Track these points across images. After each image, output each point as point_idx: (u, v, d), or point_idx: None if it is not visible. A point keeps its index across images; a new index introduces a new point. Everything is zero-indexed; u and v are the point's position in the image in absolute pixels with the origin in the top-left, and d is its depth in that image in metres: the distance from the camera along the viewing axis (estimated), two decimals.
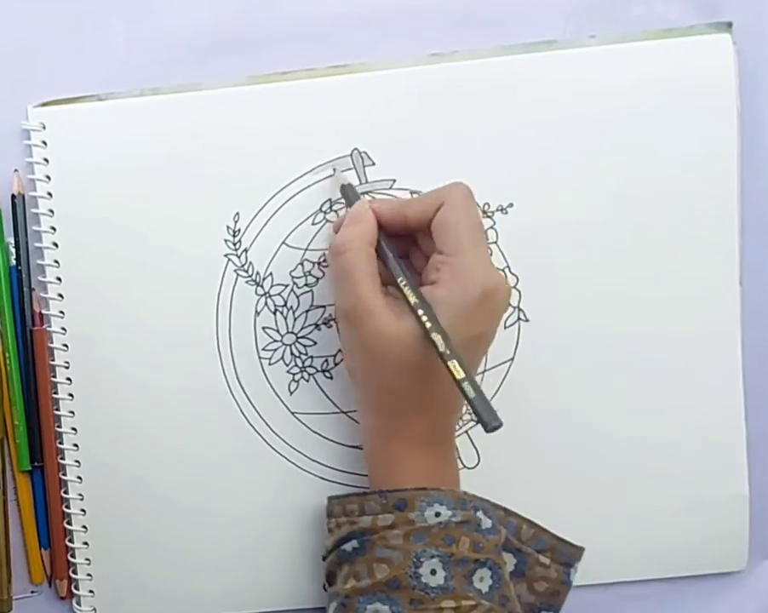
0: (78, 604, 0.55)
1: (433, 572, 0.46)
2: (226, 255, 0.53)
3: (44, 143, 0.53)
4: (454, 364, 0.45)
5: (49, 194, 0.53)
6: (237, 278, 0.53)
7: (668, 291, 0.53)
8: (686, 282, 0.53)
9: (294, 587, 0.55)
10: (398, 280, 0.48)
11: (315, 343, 0.54)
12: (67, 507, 0.55)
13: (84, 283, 0.53)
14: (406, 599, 0.46)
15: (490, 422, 0.44)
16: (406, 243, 0.51)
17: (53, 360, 0.54)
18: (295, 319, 0.54)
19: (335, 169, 0.52)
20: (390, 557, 0.47)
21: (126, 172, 0.53)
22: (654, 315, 0.53)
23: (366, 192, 0.53)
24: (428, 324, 0.46)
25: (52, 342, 0.54)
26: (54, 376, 0.54)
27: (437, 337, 0.46)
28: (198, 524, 0.54)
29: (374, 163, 0.53)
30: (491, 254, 0.53)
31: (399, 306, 0.48)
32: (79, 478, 0.54)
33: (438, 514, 0.47)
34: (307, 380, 0.54)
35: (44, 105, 0.53)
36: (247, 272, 0.53)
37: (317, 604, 0.55)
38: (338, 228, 0.50)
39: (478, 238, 0.48)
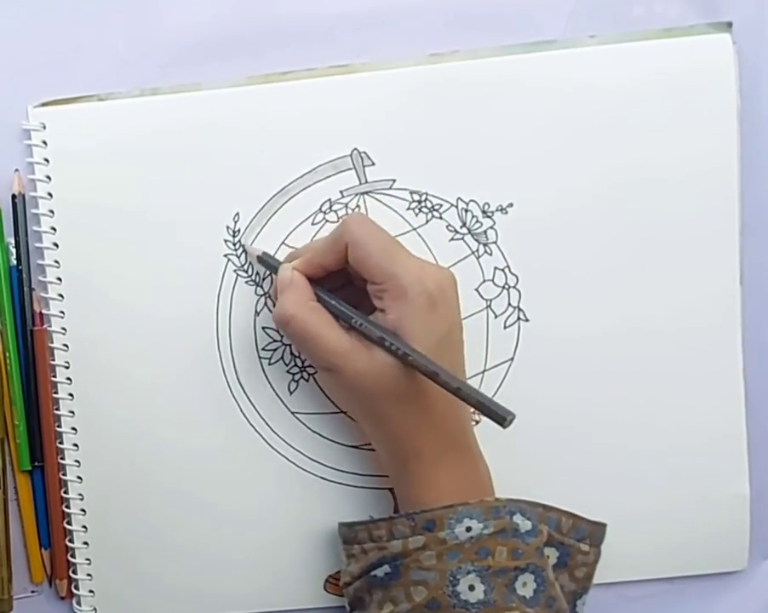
0: (78, 604, 0.55)
1: (472, 588, 0.46)
2: (226, 255, 0.53)
3: (44, 143, 0.53)
4: (443, 378, 0.45)
5: (50, 194, 0.53)
6: (237, 278, 0.53)
7: (668, 291, 0.53)
8: (686, 281, 0.53)
9: (294, 587, 0.55)
10: (352, 322, 0.48)
11: None
12: (67, 506, 0.55)
13: (84, 283, 0.53)
14: None
15: (503, 418, 0.44)
16: (342, 273, 0.50)
17: (53, 360, 0.54)
18: None
19: (243, 246, 0.53)
20: (426, 578, 0.46)
21: (126, 172, 0.53)
22: (654, 315, 0.53)
23: (366, 192, 0.53)
24: (400, 352, 0.46)
25: (52, 342, 0.54)
26: (54, 376, 0.54)
27: (416, 360, 0.46)
28: (198, 524, 0.54)
29: (374, 163, 0.53)
30: (491, 253, 0.53)
31: (365, 340, 0.48)
32: (79, 478, 0.54)
33: (469, 529, 0.46)
34: (307, 380, 0.54)
35: (44, 105, 0.53)
36: (247, 272, 0.53)
37: (317, 604, 0.55)
38: (275, 296, 0.51)
39: (396, 254, 0.48)
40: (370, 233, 0.49)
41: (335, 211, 0.53)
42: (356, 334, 0.48)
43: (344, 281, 0.51)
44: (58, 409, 0.54)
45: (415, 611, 0.46)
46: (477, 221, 0.53)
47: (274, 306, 0.51)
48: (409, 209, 0.53)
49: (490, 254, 0.53)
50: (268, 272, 0.53)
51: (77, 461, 0.54)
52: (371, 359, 0.47)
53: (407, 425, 0.48)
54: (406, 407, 0.48)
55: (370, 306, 0.49)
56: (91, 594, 0.55)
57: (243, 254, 0.53)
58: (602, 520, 0.52)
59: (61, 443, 0.54)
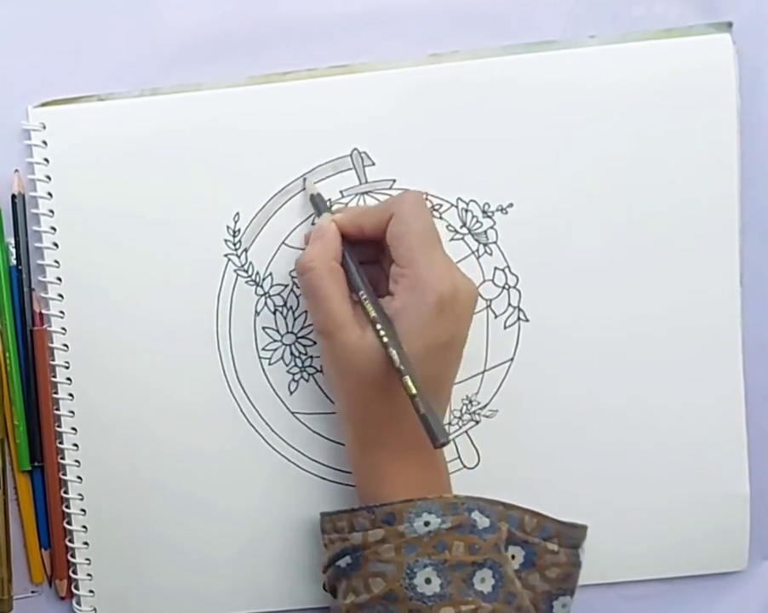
0: (78, 604, 0.55)
1: (428, 581, 0.46)
2: (226, 255, 0.53)
3: (44, 143, 0.53)
4: (406, 380, 0.45)
5: (50, 194, 0.53)
6: (237, 278, 0.53)
7: (668, 291, 0.53)
8: (686, 282, 0.53)
9: (294, 587, 0.55)
10: (359, 293, 0.48)
11: (315, 343, 0.54)
12: (67, 506, 0.55)
13: (84, 283, 0.53)
14: (404, 611, 0.46)
15: (437, 439, 0.45)
16: (377, 248, 0.51)
17: (53, 360, 0.54)
18: (295, 319, 0.54)
19: (305, 179, 0.52)
20: (384, 571, 0.47)
21: (126, 172, 0.53)
22: (654, 315, 0.53)
23: (366, 192, 0.53)
24: (385, 339, 0.46)
25: (52, 342, 0.54)
26: (54, 376, 0.54)
27: (392, 352, 0.46)
28: (198, 524, 0.54)
29: (374, 163, 0.53)
30: (491, 253, 0.53)
31: (364, 317, 0.48)
32: (79, 478, 0.54)
33: (427, 523, 0.47)
34: (307, 380, 0.54)
35: (44, 105, 0.53)
36: (247, 272, 0.53)
37: (317, 604, 0.55)
38: (306, 241, 0.51)
39: (430, 246, 0.48)
40: (418, 214, 0.49)
41: (335, 212, 0.53)
42: (359, 309, 0.48)
43: (373, 258, 0.51)
44: (58, 409, 0.54)
45: (374, 602, 0.47)
46: (477, 221, 0.53)
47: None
48: None
49: (490, 254, 0.53)
50: (269, 272, 0.53)
51: (77, 461, 0.54)
52: (362, 337, 0.47)
53: (376, 412, 0.48)
54: (380, 394, 0.48)
55: (384, 291, 0.49)
56: (91, 594, 0.55)
57: (244, 254, 0.53)
58: (601, 520, 0.52)
59: (61, 443, 0.54)
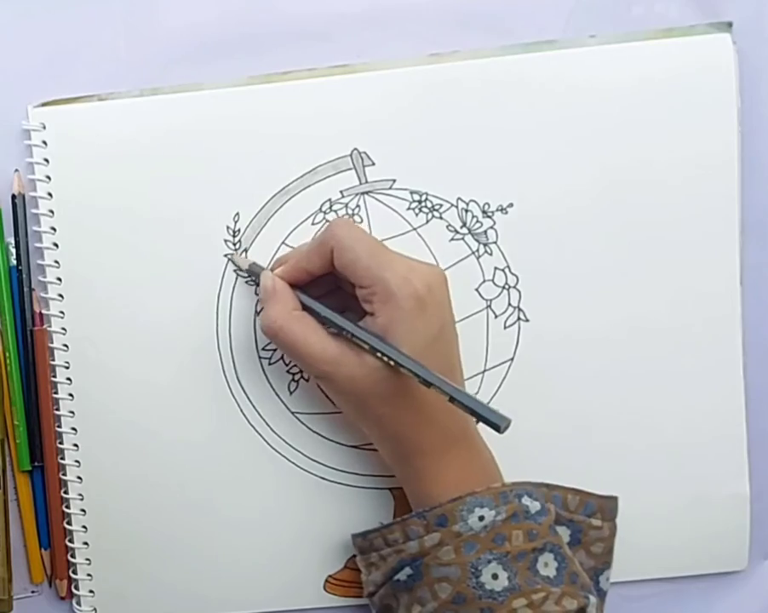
0: (78, 604, 0.55)
1: (495, 576, 0.46)
2: (226, 255, 0.53)
3: (44, 143, 0.53)
4: (439, 390, 0.45)
5: (50, 194, 0.53)
6: (237, 278, 0.53)
7: (668, 291, 0.53)
8: (686, 282, 0.53)
9: (294, 587, 0.55)
10: (344, 334, 0.48)
11: None
12: (67, 506, 0.55)
13: (84, 284, 0.53)
14: (475, 611, 0.46)
15: (499, 425, 0.44)
16: (329, 278, 0.50)
17: (53, 360, 0.54)
18: None
19: (230, 257, 0.53)
20: (448, 574, 0.46)
21: (126, 172, 0.53)
22: (654, 315, 0.53)
23: (366, 192, 0.53)
24: (392, 363, 0.46)
25: (52, 342, 0.54)
26: (54, 376, 0.54)
27: (408, 371, 0.46)
28: (198, 524, 0.54)
29: (374, 163, 0.53)
30: (491, 253, 0.53)
31: (354, 344, 0.48)
32: (79, 478, 0.54)
33: (482, 518, 0.46)
34: (307, 380, 0.54)
35: (44, 105, 0.53)
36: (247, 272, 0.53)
37: (317, 604, 0.55)
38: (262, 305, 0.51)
39: (382, 256, 0.48)
40: (356, 237, 0.48)
41: (336, 211, 0.53)
42: (343, 340, 0.48)
43: (332, 286, 0.51)
44: (58, 409, 0.54)
45: (443, 608, 0.46)
46: (477, 221, 0.53)
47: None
48: (409, 209, 0.53)
49: (490, 254, 0.53)
50: None
51: (77, 461, 0.54)
52: (361, 364, 0.47)
53: (404, 423, 0.48)
54: (401, 407, 0.48)
55: (359, 310, 0.49)
56: (91, 594, 0.55)
57: (244, 254, 0.53)
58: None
59: (61, 443, 0.54)
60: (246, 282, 0.53)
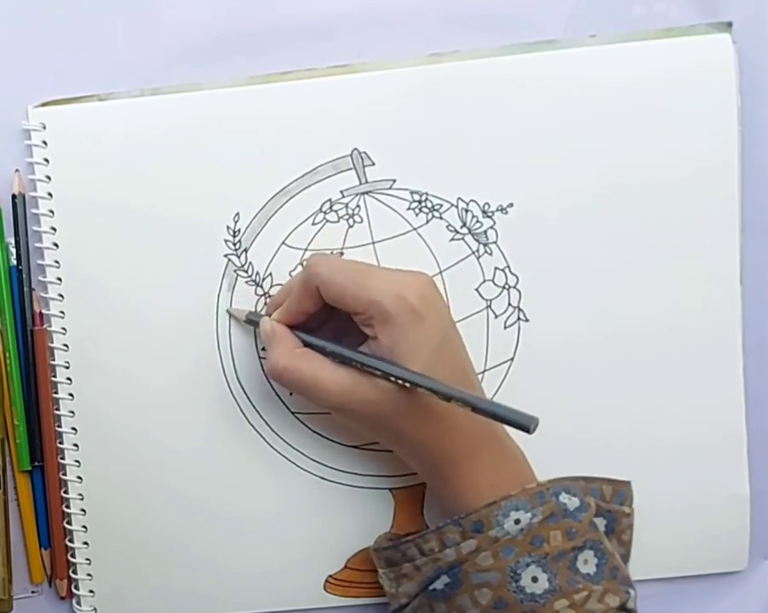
0: (78, 604, 0.55)
1: (535, 579, 0.45)
2: (226, 255, 0.53)
3: (44, 143, 0.53)
4: (459, 402, 0.44)
5: (50, 194, 0.53)
6: (237, 278, 0.53)
7: (668, 291, 0.53)
8: (686, 282, 0.53)
9: (294, 587, 0.55)
10: (352, 364, 0.47)
11: None
12: (67, 506, 0.55)
13: (84, 283, 0.53)
14: None
15: (527, 426, 0.42)
16: (324, 310, 0.50)
17: (53, 360, 0.54)
18: None
19: (228, 312, 0.53)
20: (487, 580, 0.46)
21: (126, 172, 0.53)
22: (654, 315, 0.53)
23: (366, 192, 0.53)
24: (408, 385, 0.45)
25: (52, 342, 0.54)
26: (54, 376, 0.54)
27: (426, 389, 0.45)
28: (198, 524, 0.54)
29: (374, 163, 0.53)
30: (491, 253, 0.53)
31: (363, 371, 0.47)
32: (79, 478, 0.54)
33: (518, 521, 0.46)
34: None
35: (44, 105, 0.53)
36: (247, 272, 0.53)
37: (317, 605, 0.55)
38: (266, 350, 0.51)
39: (368, 279, 0.47)
40: (336, 269, 0.48)
41: (336, 211, 0.53)
42: (353, 366, 0.47)
43: (330, 314, 0.50)
44: (58, 409, 0.54)
45: None
46: (477, 221, 0.53)
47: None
48: (409, 209, 0.53)
49: (490, 254, 0.53)
50: (269, 272, 0.53)
51: (77, 461, 0.54)
52: (375, 388, 0.47)
53: (427, 435, 0.48)
54: (421, 420, 0.47)
55: (361, 334, 0.48)
56: (91, 594, 0.55)
57: (244, 254, 0.53)
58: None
59: (61, 443, 0.54)
60: (246, 282, 0.53)
